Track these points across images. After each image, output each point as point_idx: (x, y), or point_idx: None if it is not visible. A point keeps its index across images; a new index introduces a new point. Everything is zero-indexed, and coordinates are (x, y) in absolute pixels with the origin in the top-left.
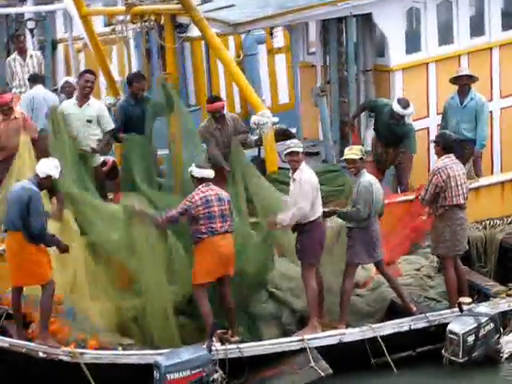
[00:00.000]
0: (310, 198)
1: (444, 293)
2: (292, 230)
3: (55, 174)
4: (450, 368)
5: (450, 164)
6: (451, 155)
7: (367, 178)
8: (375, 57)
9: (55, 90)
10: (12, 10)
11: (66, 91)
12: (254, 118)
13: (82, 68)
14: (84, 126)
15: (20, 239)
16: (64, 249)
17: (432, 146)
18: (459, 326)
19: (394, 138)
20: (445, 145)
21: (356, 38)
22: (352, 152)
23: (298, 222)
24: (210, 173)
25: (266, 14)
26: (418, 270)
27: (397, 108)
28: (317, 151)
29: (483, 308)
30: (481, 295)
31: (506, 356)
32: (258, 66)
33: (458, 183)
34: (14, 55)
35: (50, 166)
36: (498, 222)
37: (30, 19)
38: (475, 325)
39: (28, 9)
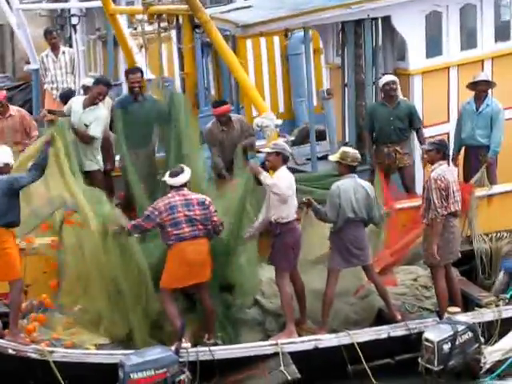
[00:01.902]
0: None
1: None
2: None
3: (11, 160)
4: (428, 377)
5: (447, 170)
6: (445, 161)
7: (340, 182)
8: (396, 60)
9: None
10: (58, 6)
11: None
12: (257, 120)
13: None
14: (83, 129)
15: None
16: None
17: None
18: (435, 333)
19: (398, 128)
20: (446, 151)
21: (375, 40)
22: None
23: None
24: (177, 181)
25: (279, 15)
26: (415, 280)
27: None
28: None
29: (463, 317)
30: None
31: (487, 366)
32: (302, 65)
33: (454, 189)
34: (47, 51)
35: (3, 154)
36: (506, 234)
37: (73, 15)
38: (451, 333)
39: (67, 5)
